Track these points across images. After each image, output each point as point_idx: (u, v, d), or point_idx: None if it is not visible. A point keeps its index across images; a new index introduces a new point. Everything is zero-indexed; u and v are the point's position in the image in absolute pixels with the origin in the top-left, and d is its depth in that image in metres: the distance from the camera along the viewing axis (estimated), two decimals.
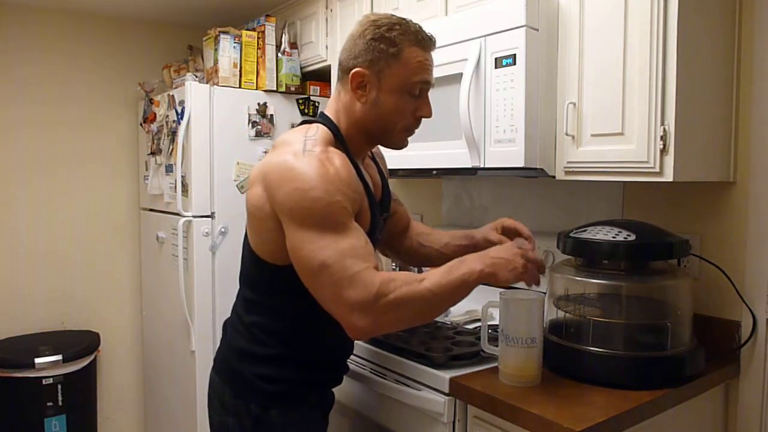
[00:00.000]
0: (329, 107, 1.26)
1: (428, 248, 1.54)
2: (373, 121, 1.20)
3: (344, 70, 1.21)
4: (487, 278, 1.11)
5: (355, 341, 1.47)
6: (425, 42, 1.19)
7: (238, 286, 1.32)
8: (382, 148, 1.42)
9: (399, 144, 1.27)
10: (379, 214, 1.26)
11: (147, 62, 3.00)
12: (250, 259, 1.23)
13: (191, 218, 2.37)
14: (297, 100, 2.57)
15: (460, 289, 1.10)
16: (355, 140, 1.23)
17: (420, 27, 1.20)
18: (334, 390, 1.39)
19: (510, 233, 1.44)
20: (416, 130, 1.26)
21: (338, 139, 1.20)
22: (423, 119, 1.25)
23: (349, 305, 1.03)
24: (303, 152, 1.11)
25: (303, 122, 1.26)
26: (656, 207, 1.61)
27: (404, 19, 1.20)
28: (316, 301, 1.10)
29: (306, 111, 2.59)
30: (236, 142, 2.42)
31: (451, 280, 1.08)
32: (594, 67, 1.39)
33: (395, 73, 1.17)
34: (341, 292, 1.03)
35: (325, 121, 1.22)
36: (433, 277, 1.08)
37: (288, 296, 1.16)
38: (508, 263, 1.12)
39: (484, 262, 1.11)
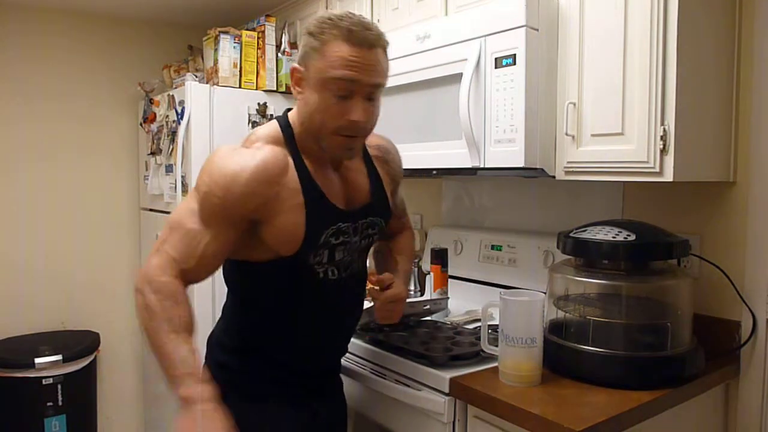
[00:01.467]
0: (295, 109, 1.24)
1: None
2: (307, 119, 1.15)
3: None
4: (177, 401, 1.06)
5: (351, 341, 1.47)
6: (354, 38, 1.08)
7: None
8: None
9: (336, 150, 1.17)
10: (333, 216, 1.20)
11: (147, 62, 3.00)
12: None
13: None
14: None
15: (164, 370, 1.06)
16: (306, 140, 1.18)
17: (360, 24, 1.10)
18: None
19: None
20: (355, 138, 1.16)
21: (287, 137, 1.18)
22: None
23: (148, 260, 1.10)
24: (237, 147, 1.16)
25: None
26: (656, 207, 1.61)
27: (348, 14, 1.12)
28: (266, 303, 1.20)
29: None
30: (236, 142, 2.41)
31: (170, 363, 1.04)
32: (594, 67, 1.39)
33: (316, 67, 1.11)
34: (155, 249, 1.11)
35: (281, 118, 1.22)
36: (176, 343, 1.03)
37: (247, 292, 1.20)
38: (188, 427, 1.03)
39: (188, 404, 1.03)
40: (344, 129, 1.13)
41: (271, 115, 2.51)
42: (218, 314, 1.37)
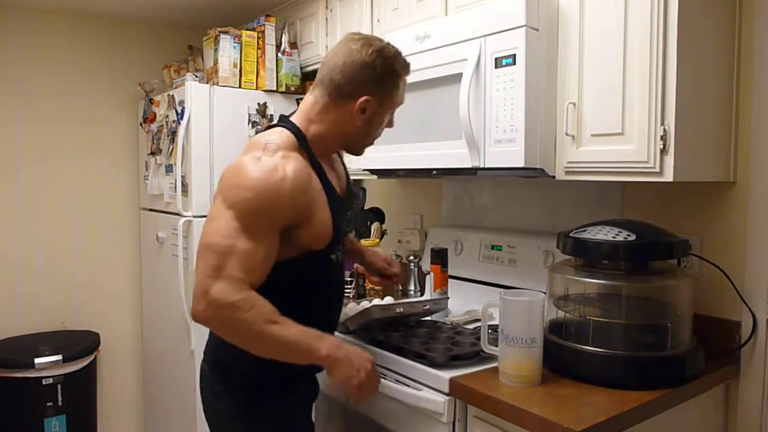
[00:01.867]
0: (300, 114, 1.30)
1: None
2: (361, 136, 1.32)
3: (343, 93, 1.25)
4: (326, 366, 1.20)
5: (351, 341, 1.51)
6: (408, 69, 1.33)
7: None
8: None
9: (360, 151, 1.38)
10: (343, 207, 1.36)
11: (147, 62, 3.01)
12: None
13: (191, 218, 2.37)
14: (297, 100, 2.57)
15: (296, 353, 1.18)
16: (326, 145, 1.31)
17: (403, 54, 1.32)
18: (330, 388, 1.40)
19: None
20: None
21: (301, 142, 1.25)
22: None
23: (204, 291, 1.12)
24: (261, 157, 1.18)
25: (269, 126, 1.32)
26: (656, 207, 1.61)
27: (392, 45, 1.30)
28: (291, 294, 1.23)
29: None
30: (236, 142, 2.42)
31: (295, 342, 1.16)
32: (594, 67, 1.39)
33: (393, 97, 1.31)
34: (209, 278, 1.12)
35: (289, 125, 1.28)
36: (285, 328, 1.15)
37: (264, 289, 1.21)
38: (351, 369, 1.20)
39: (333, 352, 1.18)
40: (380, 134, 1.37)
41: (271, 115, 2.51)
42: None
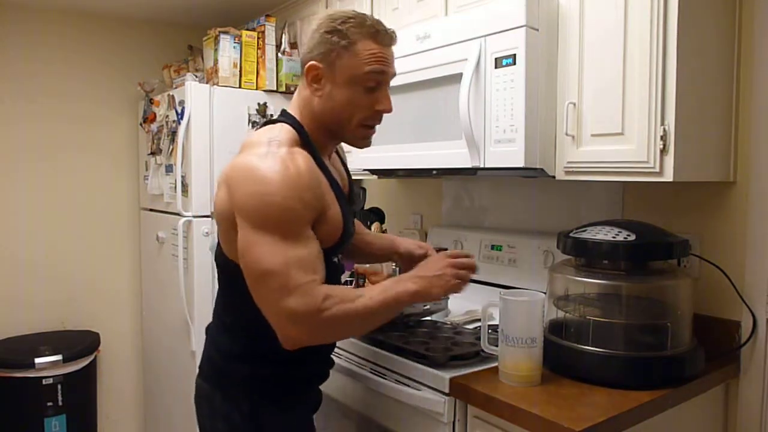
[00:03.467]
0: (293, 105, 1.25)
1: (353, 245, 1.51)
2: (329, 115, 1.19)
3: (302, 66, 1.20)
4: (422, 298, 1.17)
5: (352, 341, 1.50)
6: (380, 36, 1.18)
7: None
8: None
9: (359, 140, 1.25)
10: (348, 206, 1.27)
11: (147, 62, 3.01)
12: (223, 262, 1.21)
13: (191, 218, 2.37)
14: None
15: (392, 309, 1.15)
16: (318, 137, 1.22)
17: (378, 21, 1.19)
18: (330, 389, 1.38)
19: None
20: (374, 128, 1.25)
21: (302, 137, 1.19)
22: (387, 115, 1.24)
23: (287, 314, 1.04)
24: (267, 154, 1.09)
25: (267, 122, 1.25)
26: (656, 207, 1.61)
27: (361, 13, 1.19)
28: None
29: None
30: (236, 142, 2.40)
31: (386, 299, 1.12)
32: (594, 66, 1.39)
33: (346, 64, 1.16)
34: (282, 301, 1.03)
35: (289, 119, 1.21)
36: (369, 294, 1.11)
37: None
38: (438, 279, 1.17)
39: (417, 282, 1.16)
40: (370, 119, 1.22)
41: (271, 115, 2.51)
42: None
